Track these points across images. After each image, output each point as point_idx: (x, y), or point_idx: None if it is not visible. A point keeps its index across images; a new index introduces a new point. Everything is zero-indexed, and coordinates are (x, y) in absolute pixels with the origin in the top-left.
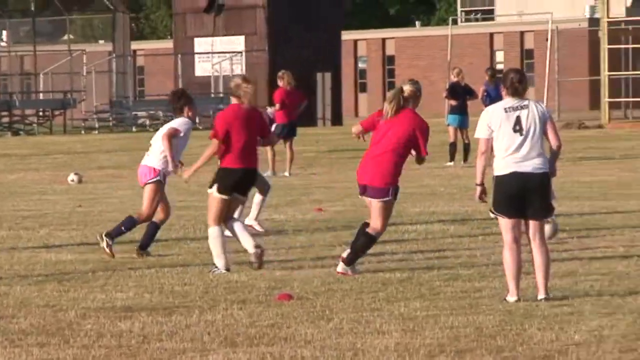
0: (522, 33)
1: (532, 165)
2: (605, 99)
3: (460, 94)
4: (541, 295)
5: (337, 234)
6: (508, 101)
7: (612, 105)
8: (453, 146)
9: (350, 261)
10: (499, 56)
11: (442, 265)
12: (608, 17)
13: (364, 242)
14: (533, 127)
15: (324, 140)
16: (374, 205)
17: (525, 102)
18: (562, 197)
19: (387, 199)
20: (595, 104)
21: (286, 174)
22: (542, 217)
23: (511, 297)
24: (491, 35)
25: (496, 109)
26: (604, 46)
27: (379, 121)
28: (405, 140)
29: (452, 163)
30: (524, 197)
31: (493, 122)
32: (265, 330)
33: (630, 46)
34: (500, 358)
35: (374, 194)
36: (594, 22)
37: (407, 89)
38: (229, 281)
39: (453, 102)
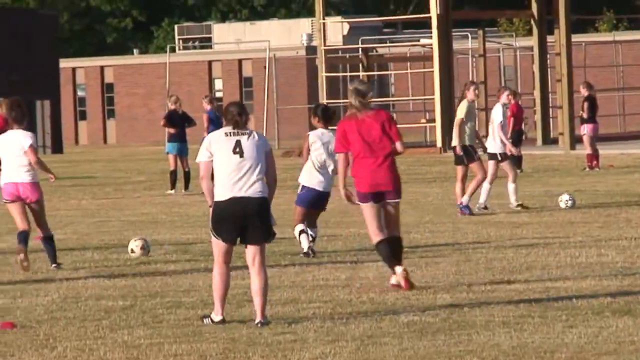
0: (240, 61)
1: (253, 190)
2: None
3: (177, 121)
4: (258, 319)
5: (63, 259)
6: (229, 128)
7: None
8: (173, 174)
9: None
10: (218, 84)
11: (164, 293)
12: (325, 45)
13: (398, 245)
14: (253, 153)
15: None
16: (394, 206)
17: (247, 131)
18: (282, 224)
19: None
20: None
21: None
22: (262, 242)
23: (216, 317)
24: (209, 63)
25: (216, 134)
26: (322, 74)
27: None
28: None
29: (172, 191)
30: (244, 221)
31: (213, 146)
32: None
33: (348, 74)
34: None
35: (396, 195)
36: (311, 49)
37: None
38: None
39: (171, 130)
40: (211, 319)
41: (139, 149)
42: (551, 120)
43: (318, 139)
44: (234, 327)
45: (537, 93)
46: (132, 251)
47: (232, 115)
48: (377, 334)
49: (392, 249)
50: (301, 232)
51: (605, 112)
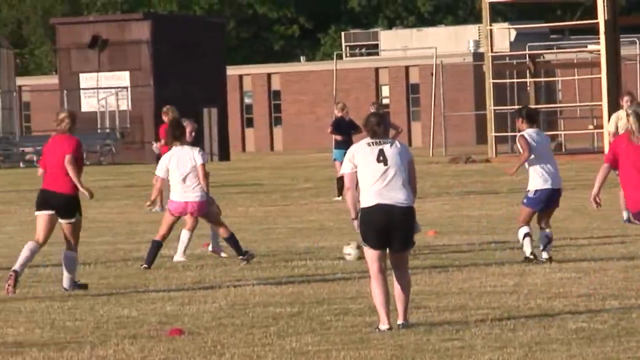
0: (407, 67)
1: (396, 198)
2: (491, 133)
3: (344, 129)
4: (400, 320)
5: (227, 269)
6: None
7: (499, 140)
8: (340, 181)
9: None
10: (385, 91)
11: (332, 300)
12: (492, 52)
13: None
14: (397, 161)
15: (211, 176)
16: None
17: (388, 140)
18: (450, 231)
19: None
20: (481, 138)
21: None
22: (404, 250)
23: (383, 326)
24: (376, 70)
25: (359, 145)
26: (489, 80)
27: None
28: None
29: (340, 198)
30: (389, 229)
31: (356, 156)
32: None
33: (515, 80)
34: None
35: None
36: (478, 56)
37: None
38: (120, 316)
39: (338, 137)
40: (378, 329)
41: (306, 156)
42: None
43: (530, 138)
44: (402, 333)
45: None
46: (349, 254)
47: (371, 125)
48: (544, 340)
49: None
50: (526, 235)
51: None
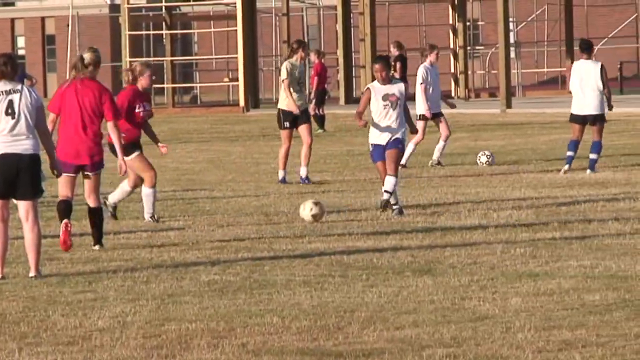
0: (43, 19)
1: (23, 146)
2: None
3: None
4: (32, 273)
5: None
6: (0, 85)
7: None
8: None
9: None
10: (21, 42)
11: None
12: (128, 3)
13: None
14: (25, 111)
15: None
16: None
17: (18, 87)
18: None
19: None
20: (117, 89)
21: None
22: (32, 198)
23: None
24: (12, 20)
25: None
26: (125, 32)
27: None
28: None
29: None
30: (15, 177)
31: None
32: None
33: (151, 32)
34: (24, 344)
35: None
36: (115, 8)
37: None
38: None
39: None
40: None
41: None
42: (354, 79)
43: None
44: (34, 285)
45: (340, 52)
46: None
47: None
48: (177, 292)
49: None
50: None
51: (409, 72)
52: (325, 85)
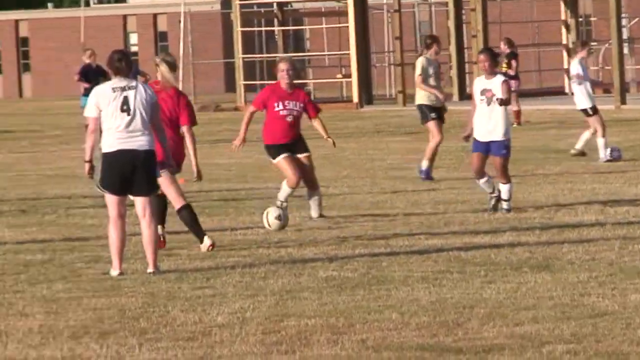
0: (155, 15)
1: (138, 142)
2: (240, 81)
3: (92, 75)
4: (150, 269)
5: None
6: (115, 81)
7: (247, 88)
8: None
9: None
10: (133, 38)
11: (83, 247)
12: (240, 0)
13: None
14: (140, 108)
15: None
16: None
17: (133, 84)
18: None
19: None
20: (230, 86)
21: None
22: (148, 194)
23: (114, 272)
24: (124, 17)
25: (104, 89)
26: (237, 29)
27: None
28: None
29: None
30: (131, 174)
31: (101, 101)
32: None
33: (263, 28)
34: (144, 340)
35: None
36: (226, 4)
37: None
38: None
39: (86, 85)
40: (109, 274)
41: (54, 103)
42: (467, 75)
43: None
44: (153, 281)
45: (452, 49)
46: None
47: (113, 61)
48: (296, 288)
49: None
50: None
51: (520, 68)
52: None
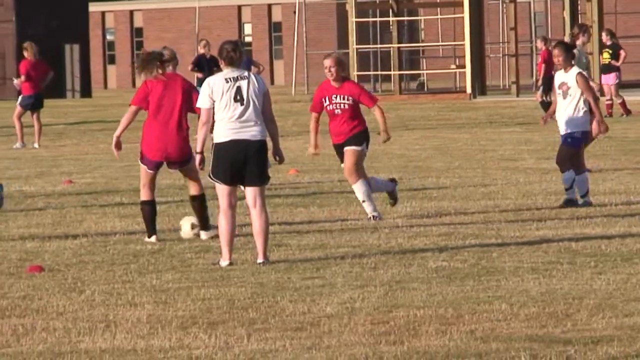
0: (269, 6)
1: (250, 133)
2: (354, 72)
3: (205, 65)
4: (260, 259)
5: (88, 206)
6: (228, 72)
7: (361, 79)
8: None
9: None
10: (247, 29)
11: (193, 238)
12: None
13: None
14: (254, 97)
15: (73, 112)
16: None
17: (245, 74)
18: (311, 169)
19: None
20: None
21: (35, 145)
22: (259, 185)
23: (224, 262)
24: (239, 7)
25: (217, 79)
26: (352, 19)
27: None
28: None
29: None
30: (243, 164)
31: (215, 92)
32: (16, 302)
33: (378, 19)
34: (252, 330)
35: None
36: None
37: None
38: None
39: (199, 75)
40: (219, 265)
41: None
42: None
43: None
44: (263, 271)
45: (567, 39)
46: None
47: (226, 52)
48: (405, 279)
49: None
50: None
51: (633, 58)
52: (552, 72)
